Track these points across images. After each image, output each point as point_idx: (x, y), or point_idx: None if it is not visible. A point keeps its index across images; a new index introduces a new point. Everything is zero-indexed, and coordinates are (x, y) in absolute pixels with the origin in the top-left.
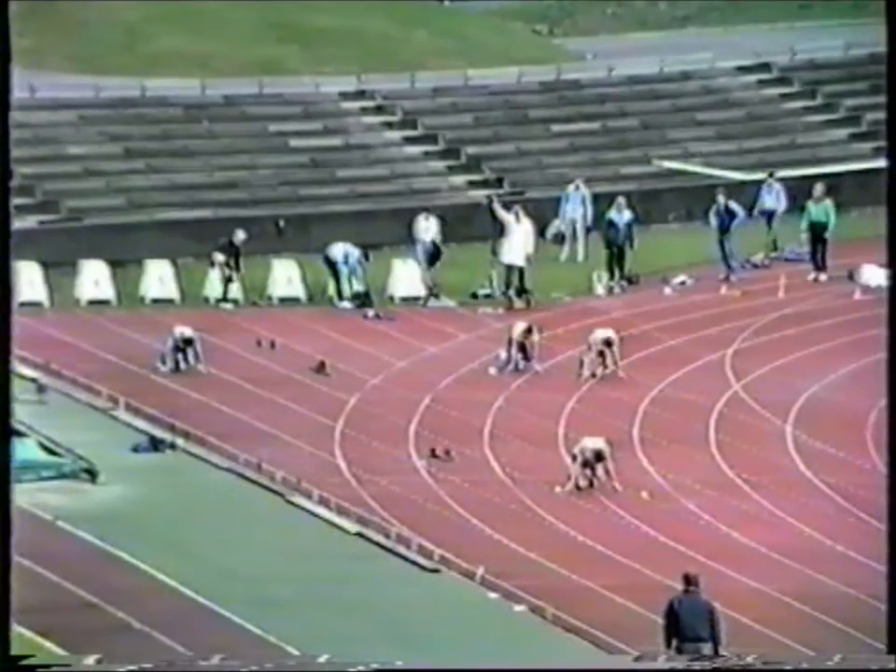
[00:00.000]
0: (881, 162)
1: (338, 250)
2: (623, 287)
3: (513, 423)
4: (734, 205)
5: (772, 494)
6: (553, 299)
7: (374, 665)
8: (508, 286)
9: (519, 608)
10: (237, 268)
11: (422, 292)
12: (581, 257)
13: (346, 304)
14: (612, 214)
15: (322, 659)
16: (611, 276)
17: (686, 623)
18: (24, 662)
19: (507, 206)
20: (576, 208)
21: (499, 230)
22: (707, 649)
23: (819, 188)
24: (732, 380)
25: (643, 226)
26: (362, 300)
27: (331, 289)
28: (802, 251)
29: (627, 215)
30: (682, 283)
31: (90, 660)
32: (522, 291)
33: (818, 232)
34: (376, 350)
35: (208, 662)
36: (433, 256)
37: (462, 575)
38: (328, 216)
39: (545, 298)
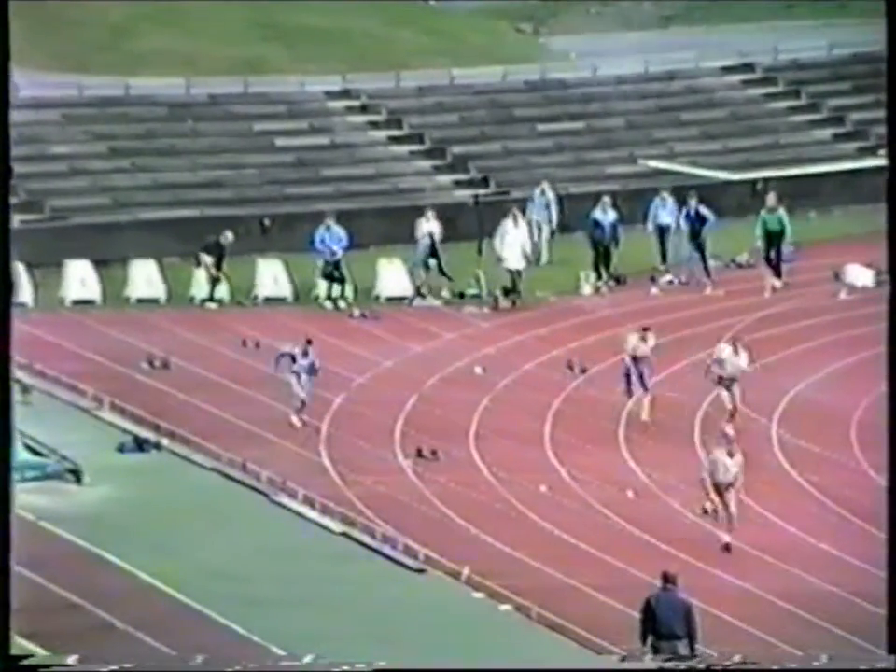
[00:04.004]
0: (865, 162)
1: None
2: (610, 287)
3: (499, 422)
4: (704, 209)
5: (756, 493)
6: (539, 298)
7: (359, 666)
8: (508, 290)
9: (504, 607)
10: (222, 268)
11: (408, 292)
12: (544, 260)
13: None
14: (597, 213)
15: (308, 659)
16: (598, 276)
17: (663, 621)
18: (24, 662)
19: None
20: (540, 212)
21: (486, 229)
22: (682, 646)
23: (771, 197)
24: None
25: (629, 225)
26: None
27: (320, 291)
28: (788, 252)
29: (612, 214)
30: (669, 282)
31: (71, 658)
32: (512, 292)
33: (772, 241)
34: (362, 349)
35: (198, 662)
36: (432, 256)
37: (447, 575)
38: (313, 215)
39: (529, 297)
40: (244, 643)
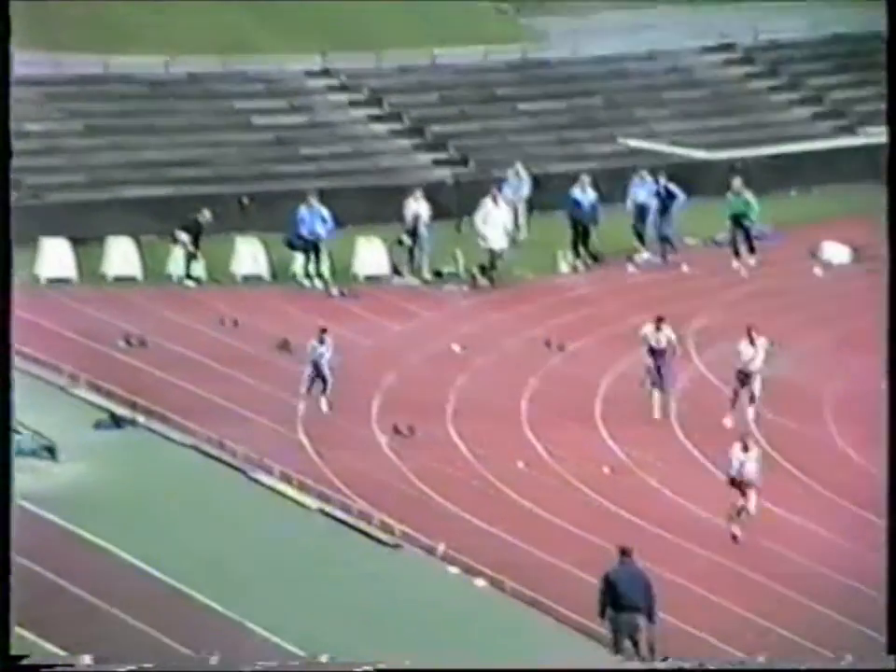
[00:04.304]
0: (843, 141)
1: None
2: (588, 265)
3: (477, 400)
4: (674, 187)
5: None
6: (517, 277)
7: (381, 665)
8: (486, 269)
9: (479, 582)
10: (199, 246)
11: (386, 270)
12: (520, 239)
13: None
14: (577, 192)
15: (324, 658)
16: (576, 254)
17: (622, 593)
18: (24, 662)
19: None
20: (515, 192)
21: (466, 208)
22: (642, 618)
23: (736, 181)
24: (694, 356)
25: (608, 204)
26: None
27: (297, 267)
28: (766, 230)
29: (592, 193)
30: (647, 261)
31: (86, 658)
32: (491, 270)
33: (739, 223)
34: (340, 328)
35: (212, 662)
36: (419, 237)
37: (423, 550)
38: (292, 193)
39: (507, 276)
40: (220, 619)
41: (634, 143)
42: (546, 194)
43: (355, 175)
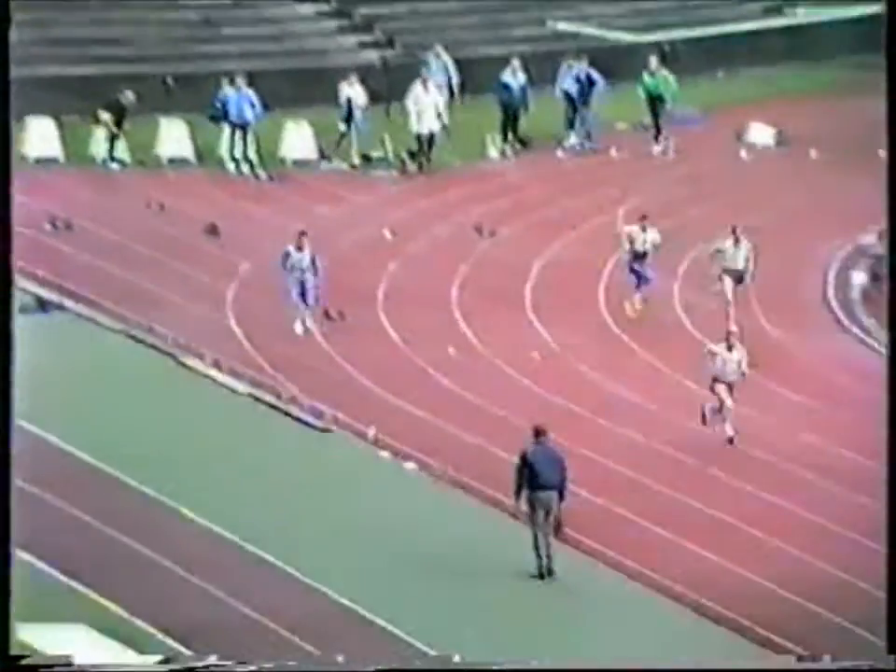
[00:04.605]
0: (770, 22)
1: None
2: (516, 150)
3: (407, 285)
4: (594, 73)
5: (656, 350)
6: (445, 162)
7: (508, 665)
8: (415, 154)
9: (409, 465)
10: (122, 126)
11: (314, 155)
12: (433, 127)
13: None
14: (507, 76)
15: (341, 658)
16: (505, 139)
17: (539, 472)
18: (24, 662)
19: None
20: (437, 76)
21: (394, 92)
22: (555, 496)
23: (653, 59)
24: (623, 240)
25: (538, 89)
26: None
27: (223, 151)
28: (690, 113)
29: (522, 77)
30: (575, 146)
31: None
32: (420, 154)
33: (655, 104)
34: (269, 213)
35: (212, 660)
36: (348, 122)
37: (354, 435)
38: (218, 74)
39: (436, 161)
40: (150, 502)
41: (563, 26)
42: (474, 78)
43: (280, 56)
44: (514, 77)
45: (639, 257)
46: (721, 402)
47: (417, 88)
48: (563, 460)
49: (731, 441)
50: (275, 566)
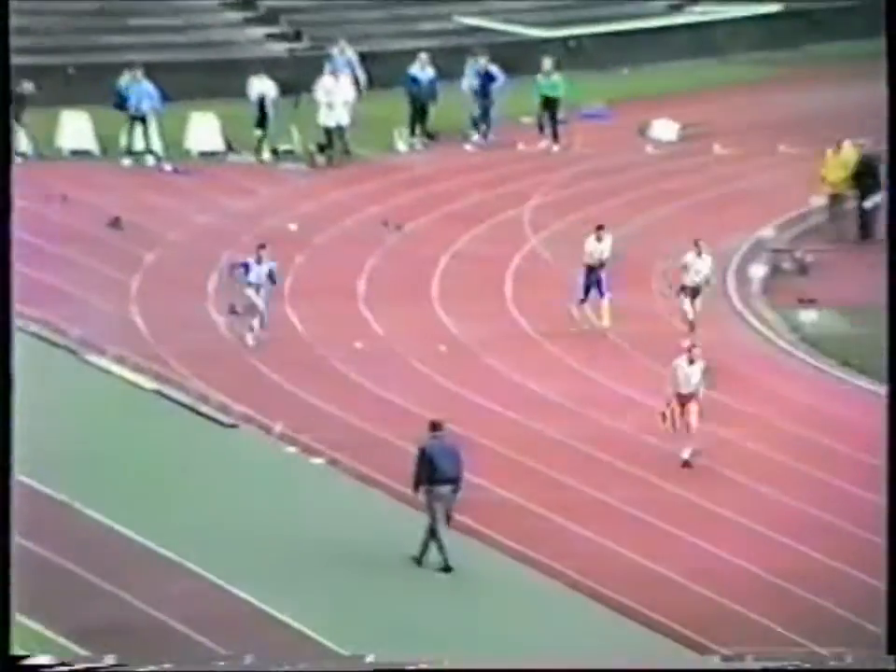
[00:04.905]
0: (674, 19)
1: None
2: (424, 144)
3: (314, 279)
4: (493, 68)
5: (563, 344)
6: (354, 155)
7: (423, 665)
8: (324, 147)
9: (316, 460)
10: (22, 118)
11: (220, 146)
12: (342, 121)
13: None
14: (415, 70)
15: (249, 659)
16: (412, 133)
17: (438, 466)
18: (24, 662)
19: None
20: (342, 70)
21: (302, 84)
22: (452, 489)
23: (546, 62)
24: (530, 234)
25: (446, 83)
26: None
27: (125, 142)
28: (597, 108)
29: (430, 71)
30: (482, 140)
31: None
32: (329, 148)
33: (549, 105)
34: (175, 204)
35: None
36: (265, 115)
37: (260, 430)
38: (120, 66)
39: (344, 154)
40: (51, 503)
41: (468, 20)
42: (382, 72)
43: (186, 48)
44: (423, 70)
45: (594, 268)
46: (673, 419)
47: (328, 80)
48: (459, 454)
49: (687, 464)
50: (180, 563)
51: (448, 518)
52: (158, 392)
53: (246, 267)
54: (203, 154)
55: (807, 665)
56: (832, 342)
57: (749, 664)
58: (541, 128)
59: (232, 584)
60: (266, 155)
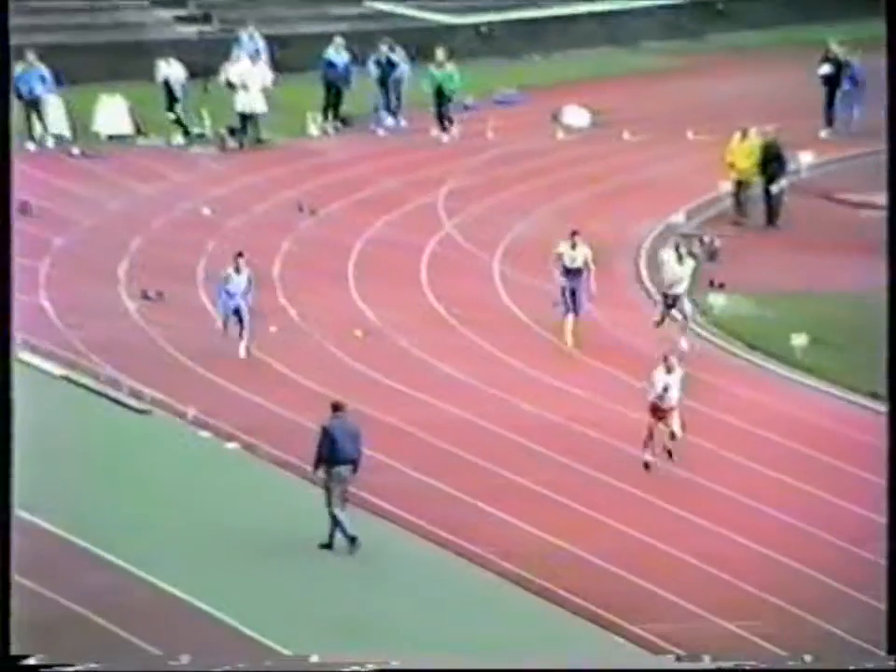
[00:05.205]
0: (585, 7)
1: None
2: (337, 128)
3: (227, 263)
4: (395, 56)
5: (478, 328)
6: (267, 140)
7: (370, 666)
8: (235, 130)
9: (230, 445)
10: None
11: (130, 130)
12: (258, 107)
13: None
14: (330, 54)
15: (314, 659)
16: (326, 118)
17: (339, 446)
18: (24, 662)
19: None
20: (253, 55)
21: (213, 67)
22: (351, 469)
23: (440, 53)
24: (444, 219)
25: (360, 67)
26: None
27: (27, 127)
28: (510, 94)
29: (345, 55)
30: (396, 125)
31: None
32: (241, 132)
33: (443, 96)
34: (83, 189)
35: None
36: (174, 99)
37: (174, 415)
38: (25, 47)
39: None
40: None
41: (381, 5)
42: (294, 56)
43: (94, 30)
44: (338, 54)
45: (571, 273)
46: (650, 430)
47: (245, 65)
48: (360, 435)
49: (647, 466)
50: (92, 552)
51: (345, 498)
52: (67, 378)
53: (227, 279)
54: (112, 137)
55: (764, 665)
56: (739, 325)
57: (706, 664)
58: (440, 119)
59: (145, 571)
60: (177, 139)
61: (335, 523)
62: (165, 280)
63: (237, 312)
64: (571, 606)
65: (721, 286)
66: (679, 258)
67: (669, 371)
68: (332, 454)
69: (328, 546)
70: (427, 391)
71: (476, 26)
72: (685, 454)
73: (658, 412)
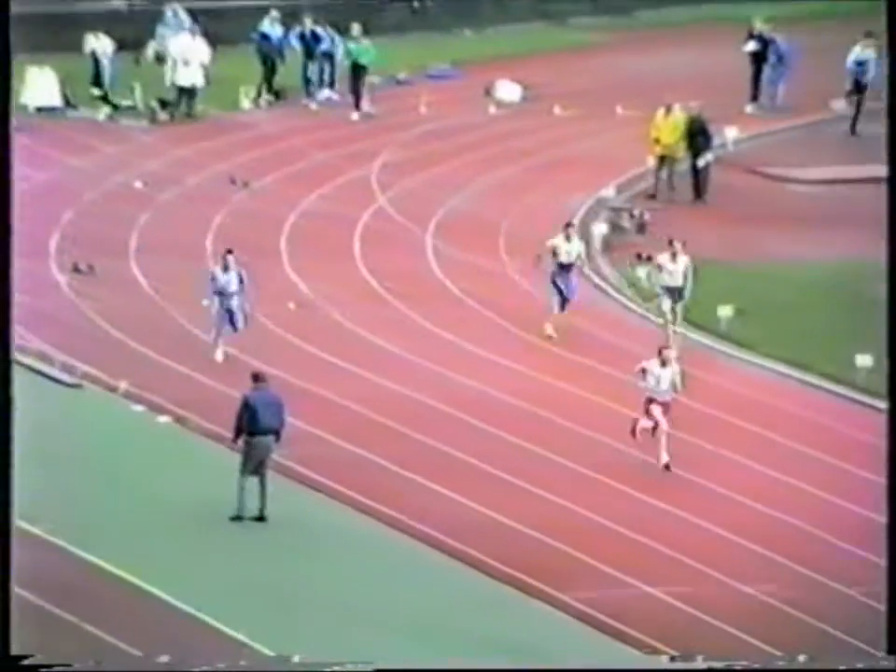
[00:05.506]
0: None
1: None
2: (269, 102)
3: (160, 237)
4: (319, 30)
5: (411, 301)
6: (199, 112)
7: (350, 667)
8: (167, 103)
9: (163, 418)
10: None
11: (58, 102)
12: (198, 81)
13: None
14: (265, 27)
15: (296, 659)
16: (258, 91)
17: (261, 416)
18: (24, 662)
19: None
20: (179, 34)
21: (143, 39)
22: (273, 440)
23: (355, 27)
24: (377, 193)
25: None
26: None
27: None
28: (444, 69)
29: (280, 29)
30: (327, 99)
31: None
32: (172, 105)
33: (358, 70)
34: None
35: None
36: (102, 72)
37: (106, 390)
38: None
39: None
40: None
41: None
42: (226, 29)
43: (21, 1)
44: (273, 27)
45: (563, 268)
46: (656, 423)
47: (184, 39)
48: (282, 405)
49: (667, 467)
50: (26, 529)
51: (264, 467)
52: None
53: (213, 278)
54: (41, 110)
55: (756, 665)
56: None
57: (698, 664)
58: (354, 94)
59: (78, 547)
60: (105, 111)
61: (241, 490)
62: (97, 253)
63: (230, 315)
64: (498, 574)
65: (649, 258)
66: (673, 255)
67: (664, 365)
68: (253, 424)
69: (259, 518)
70: (359, 364)
71: (409, 1)
72: (613, 423)
73: (652, 404)
